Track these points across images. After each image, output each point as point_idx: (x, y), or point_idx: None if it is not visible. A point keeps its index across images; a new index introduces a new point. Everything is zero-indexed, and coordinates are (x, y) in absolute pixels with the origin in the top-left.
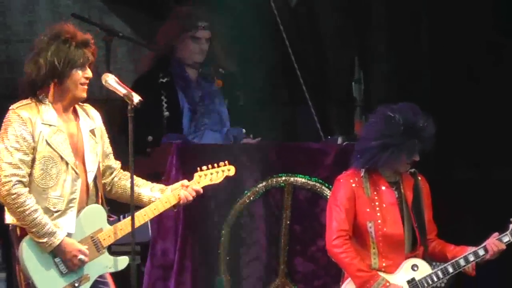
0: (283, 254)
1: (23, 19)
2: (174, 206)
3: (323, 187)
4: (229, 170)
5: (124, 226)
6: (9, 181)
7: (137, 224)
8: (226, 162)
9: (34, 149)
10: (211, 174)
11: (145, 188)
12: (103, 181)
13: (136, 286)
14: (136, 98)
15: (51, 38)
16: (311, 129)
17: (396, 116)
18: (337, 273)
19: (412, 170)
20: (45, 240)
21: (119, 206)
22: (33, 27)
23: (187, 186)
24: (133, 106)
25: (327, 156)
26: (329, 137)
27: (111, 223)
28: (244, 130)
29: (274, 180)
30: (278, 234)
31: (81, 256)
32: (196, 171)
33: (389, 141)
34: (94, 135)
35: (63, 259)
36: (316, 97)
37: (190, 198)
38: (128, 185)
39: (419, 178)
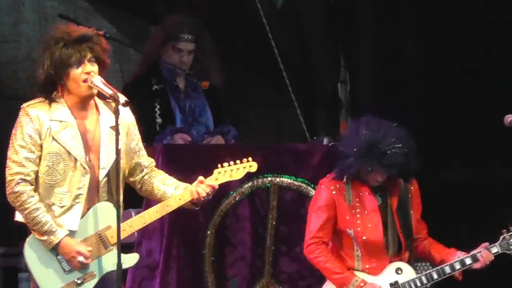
0: (269, 255)
1: (9, 20)
2: (193, 204)
3: (309, 188)
4: (251, 166)
5: (133, 223)
6: (13, 180)
7: (150, 221)
8: (250, 158)
9: (41, 146)
10: (231, 170)
11: (171, 187)
12: (133, 179)
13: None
14: (122, 98)
15: (47, 43)
16: (297, 130)
17: (363, 132)
18: (322, 274)
19: None
20: (45, 238)
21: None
22: (18, 27)
23: (202, 182)
24: (119, 105)
25: (313, 157)
26: (314, 138)
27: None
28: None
29: (260, 180)
30: (264, 235)
31: (80, 258)
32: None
33: (348, 152)
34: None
35: (65, 258)
36: (302, 98)
37: (203, 194)
38: (157, 184)
39: None
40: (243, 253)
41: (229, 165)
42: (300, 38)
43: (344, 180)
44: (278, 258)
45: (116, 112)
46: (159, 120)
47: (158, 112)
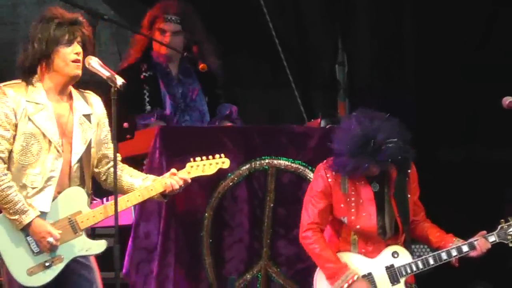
0: (266, 237)
1: (7, 2)
2: (163, 195)
3: (307, 170)
4: (224, 162)
5: (104, 209)
6: None
7: (121, 209)
8: (222, 155)
9: (16, 125)
10: (204, 165)
11: (138, 179)
12: (98, 170)
13: (119, 269)
14: (119, 80)
15: (37, 22)
16: (295, 112)
17: (355, 129)
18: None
19: None
20: (16, 217)
21: (103, 189)
22: (16, 9)
23: (175, 174)
24: (116, 88)
25: (310, 139)
26: (312, 119)
27: (93, 206)
28: (236, 107)
29: (258, 162)
30: (262, 217)
31: (50, 239)
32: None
33: (341, 151)
34: (89, 121)
35: (34, 239)
36: (300, 80)
37: (177, 186)
38: (123, 176)
39: None
40: (241, 236)
41: (202, 159)
42: (297, 19)
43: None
44: (276, 241)
45: (114, 95)
46: (148, 107)
47: (147, 99)
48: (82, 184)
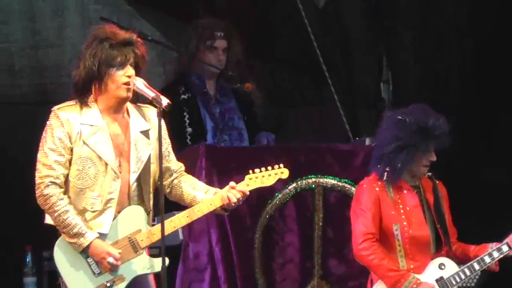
0: (317, 256)
1: (52, 24)
2: (223, 209)
3: (353, 188)
4: (282, 172)
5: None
6: (42, 183)
7: (180, 225)
8: (281, 164)
9: (71, 149)
10: (263, 177)
11: (200, 192)
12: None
13: None
14: (165, 101)
15: (91, 41)
16: (339, 130)
17: (407, 119)
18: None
19: (430, 173)
20: (74, 240)
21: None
22: (62, 32)
23: (233, 188)
24: (161, 109)
25: (356, 157)
26: (357, 138)
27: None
28: (273, 136)
29: (304, 181)
30: (312, 236)
31: (110, 259)
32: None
33: (403, 143)
34: (148, 136)
35: (94, 260)
36: (345, 98)
37: (234, 199)
38: (186, 188)
39: (437, 182)
40: (292, 255)
41: (261, 171)
42: (342, 37)
43: (384, 178)
44: (327, 260)
45: (159, 115)
46: (189, 129)
47: (188, 121)
48: (142, 202)
